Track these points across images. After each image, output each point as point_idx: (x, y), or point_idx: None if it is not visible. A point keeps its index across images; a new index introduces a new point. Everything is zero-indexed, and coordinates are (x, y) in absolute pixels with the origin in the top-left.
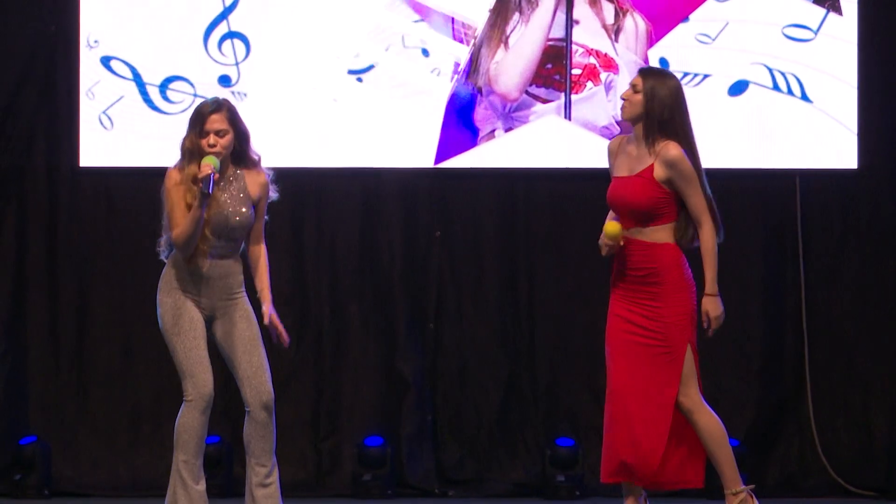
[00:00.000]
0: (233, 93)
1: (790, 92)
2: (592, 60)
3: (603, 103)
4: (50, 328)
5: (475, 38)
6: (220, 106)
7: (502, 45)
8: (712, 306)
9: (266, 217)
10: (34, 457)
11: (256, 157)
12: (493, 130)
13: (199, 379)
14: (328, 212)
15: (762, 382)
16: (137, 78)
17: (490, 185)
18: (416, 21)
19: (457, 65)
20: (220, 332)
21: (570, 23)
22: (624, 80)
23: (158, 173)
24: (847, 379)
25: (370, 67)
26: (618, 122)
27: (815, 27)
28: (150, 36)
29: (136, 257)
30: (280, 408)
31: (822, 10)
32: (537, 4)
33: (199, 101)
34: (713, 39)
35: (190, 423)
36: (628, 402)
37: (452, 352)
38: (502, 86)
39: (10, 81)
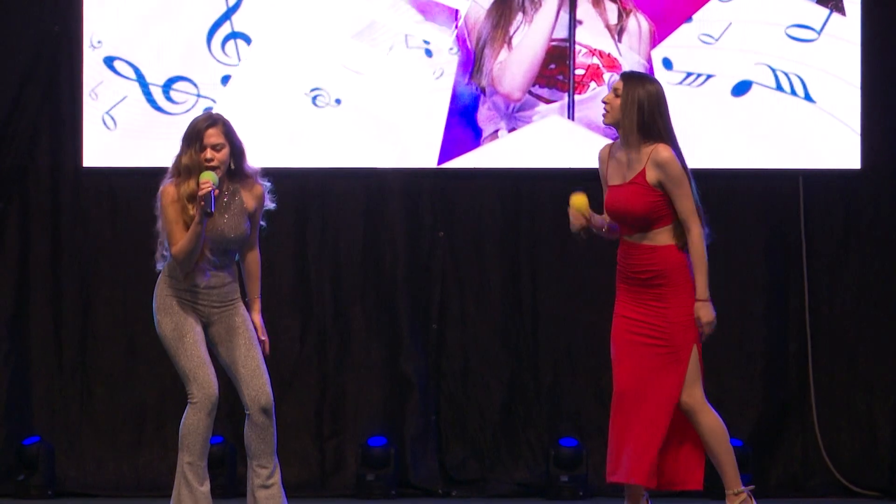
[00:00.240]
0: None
1: (793, 92)
2: (596, 61)
3: None
4: (53, 328)
5: (479, 38)
6: (215, 121)
7: (506, 46)
8: (704, 311)
9: (262, 223)
10: (38, 457)
11: (252, 171)
12: (497, 131)
13: (203, 381)
14: (331, 212)
15: (765, 383)
16: (141, 78)
17: (493, 185)
18: (419, 21)
19: (460, 65)
20: (217, 337)
21: (573, 23)
22: None
23: (162, 174)
24: (850, 379)
25: (373, 67)
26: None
27: (818, 27)
28: (153, 36)
29: (139, 257)
30: (283, 408)
31: (826, 11)
32: (540, 5)
33: (202, 101)
34: (716, 40)
35: (195, 424)
36: (632, 404)
37: (456, 352)
38: (506, 86)
39: (13, 81)
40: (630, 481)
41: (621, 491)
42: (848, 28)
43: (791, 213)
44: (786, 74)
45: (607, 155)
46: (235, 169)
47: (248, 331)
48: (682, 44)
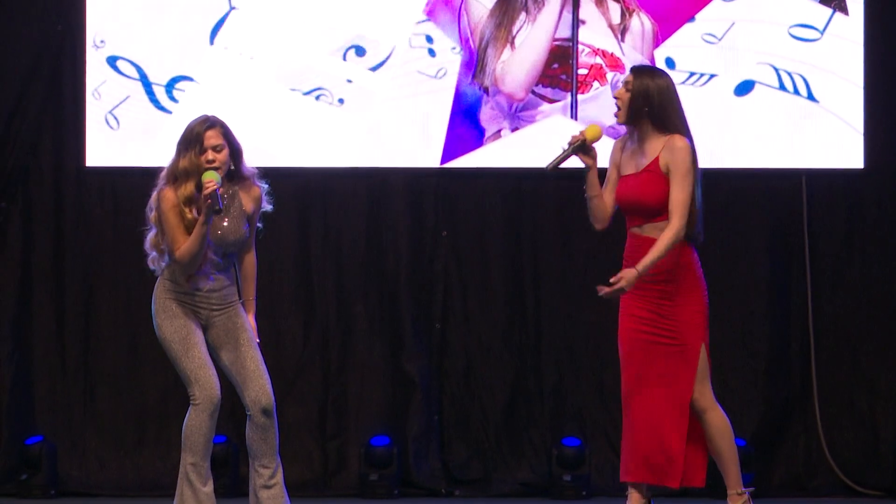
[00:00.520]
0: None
1: (796, 92)
2: (599, 60)
3: (609, 103)
4: (56, 328)
5: (482, 37)
6: (213, 123)
7: (508, 45)
8: (629, 277)
9: (259, 225)
10: (40, 457)
11: (249, 173)
12: (500, 130)
13: (205, 383)
14: (334, 212)
15: (768, 382)
16: (144, 78)
17: (496, 184)
18: (422, 21)
19: (463, 65)
20: (217, 339)
21: (576, 22)
22: None
23: None
24: (853, 378)
25: (376, 67)
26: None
27: (821, 27)
28: (156, 36)
29: (142, 257)
30: (286, 408)
31: (829, 10)
32: (543, 4)
33: (205, 101)
34: (719, 39)
35: (197, 426)
36: (646, 404)
37: (459, 352)
38: (508, 85)
39: (16, 81)
40: (655, 482)
41: (624, 491)
42: (851, 27)
43: (794, 213)
44: (789, 74)
45: (621, 147)
46: (234, 170)
47: (248, 332)
48: (685, 43)
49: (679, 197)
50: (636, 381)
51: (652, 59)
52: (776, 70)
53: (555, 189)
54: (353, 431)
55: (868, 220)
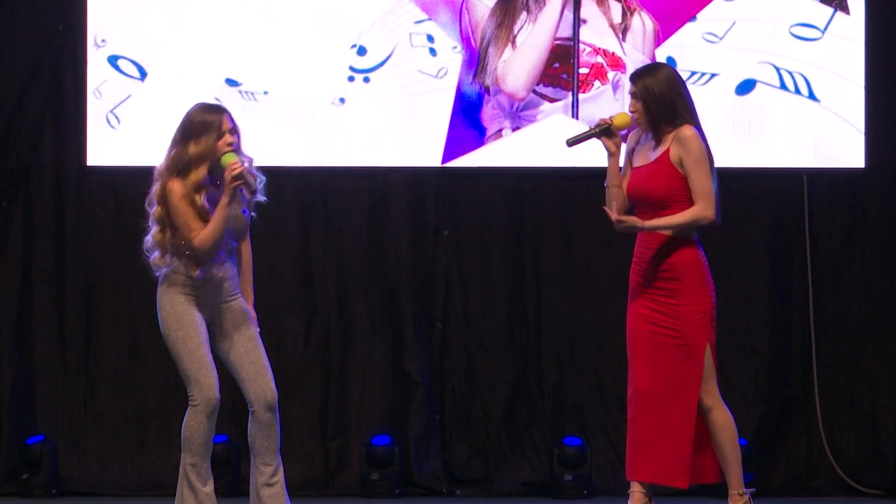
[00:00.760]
0: (240, 92)
1: (797, 91)
2: (600, 59)
3: (610, 102)
4: (57, 327)
5: (483, 37)
6: (223, 108)
7: (510, 45)
8: (630, 222)
9: (253, 214)
10: (41, 456)
11: (247, 160)
12: (501, 129)
13: (205, 384)
14: (335, 211)
15: (769, 381)
16: (145, 77)
17: (497, 184)
18: (422, 20)
19: (464, 64)
20: (222, 333)
21: (577, 22)
22: None
23: None
24: (854, 378)
25: (377, 67)
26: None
27: (822, 26)
28: (157, 35)
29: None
30: (287, 407)
31: (830, 10)
32: (545, 3)
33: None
34: (720, 38)
35: (196, 427)
36: (655, 403)
37: (460, 351)
38: (510, 85)
39: (17, 80)
40: (663, 482)
41: (625, 490)
42: (852, 27)
43: (795, 212)
44: (790, 73)
45: (635, 140)
46: None
47: (251, 327)
48: (686, 42)
49: (701, 186)
50: (643, 380)
51: (653, 59)
52: (777, 69)
53: (555, 189)
54: (354, 431)
55: (869, 220)
